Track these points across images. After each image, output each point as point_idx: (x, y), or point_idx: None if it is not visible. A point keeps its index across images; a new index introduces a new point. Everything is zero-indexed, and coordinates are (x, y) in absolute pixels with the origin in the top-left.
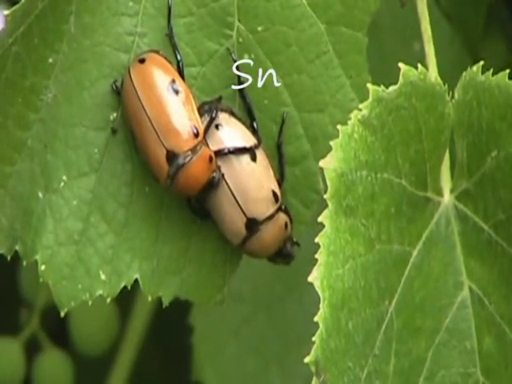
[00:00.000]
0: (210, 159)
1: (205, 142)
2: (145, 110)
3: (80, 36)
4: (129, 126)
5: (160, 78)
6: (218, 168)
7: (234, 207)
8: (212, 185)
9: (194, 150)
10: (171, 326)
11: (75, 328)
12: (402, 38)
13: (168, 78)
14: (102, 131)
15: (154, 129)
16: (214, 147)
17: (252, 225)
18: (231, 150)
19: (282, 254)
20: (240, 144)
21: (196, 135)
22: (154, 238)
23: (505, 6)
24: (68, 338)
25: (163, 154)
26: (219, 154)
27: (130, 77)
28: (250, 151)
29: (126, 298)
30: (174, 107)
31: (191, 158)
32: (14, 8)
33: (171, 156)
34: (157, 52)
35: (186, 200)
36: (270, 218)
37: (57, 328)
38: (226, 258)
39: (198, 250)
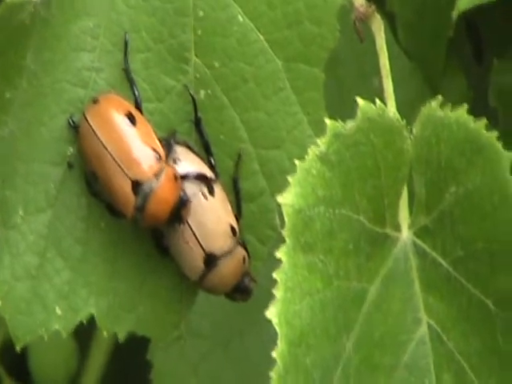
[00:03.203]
0: (175, 178)
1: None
2: (105, 146)
3: (40, 72)
4: (88, 165)
5: (115, 112)
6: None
7: (193, 242)
8: (181, 205)
9: (158, 173)
10: (131, 362)
11: (34, 364)
12: (361, 73)
13: (123, 112)
14: (58, 166)
15: (117, 163)
16: None
17: (210, 259)
18: (189, 181)
19: (239, 290)
20: (198, 176)
21: (158, 159)
22: (110, 274)
23: (465, 41)
24: (27, 373)
25: (129, 186)
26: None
27: (86, 118)
28: (207, 184)
29: (86, 333)
30: (133, 138)
31: (158, 182)
32: None
33: (137, 186)
34: (110, 91)
35: (150, 233)
36: (228, 252)
37: (16, 364)
38: (182, 295)
39: (153, 286)
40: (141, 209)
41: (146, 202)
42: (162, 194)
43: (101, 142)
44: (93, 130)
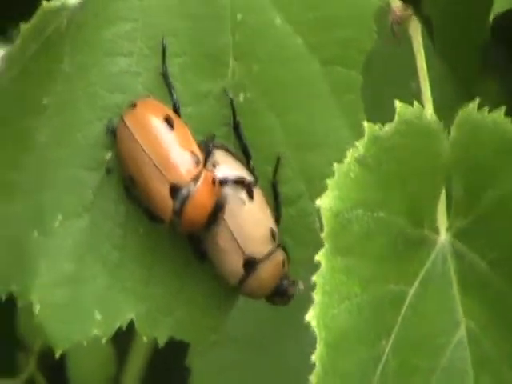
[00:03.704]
0: (213, 182)
1: (205, 170)
2: (143, 150)
3: (74, 77)
4: (125, 170)
5: (153, 117)
6: (218, 205)
7: (233, 246)
8: (220, 209)
9: (197, 178)
10: (169, 368)
11: (73, 370)
12: (398, 77)
13: (161, 116)
14: (95, 172)
15: (155, 166)
16: None
17: (250, 264)
18: (229, 185)
19: (279, 293)
20: (237, 180)
21: (197, 163)
22: (148, 279)
23: (500, 45)
24: (66, 380)
25: (166, 190)
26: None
27: (124, 122)
28: (246, 188)
29: (124, 339)
30: (171, 142)
31: (196, 187)
32: (9, 49)
33: (175, 189)
34: (148, 96)
35: (187, 238)
36: (268, 256)
37: (54, 370)
38: (221, 300)
39: (191, 291)
40: (179, 213)
41: (184, 206)
42: (200, 198)
43: (139, 145)
44: (131, 134)
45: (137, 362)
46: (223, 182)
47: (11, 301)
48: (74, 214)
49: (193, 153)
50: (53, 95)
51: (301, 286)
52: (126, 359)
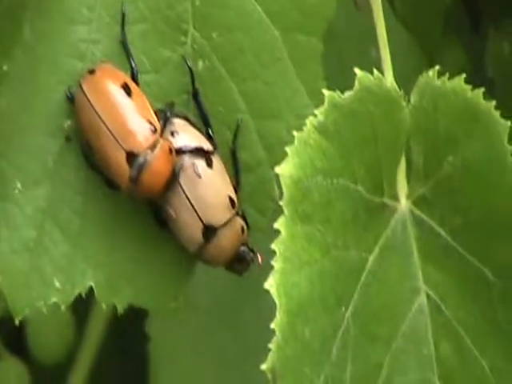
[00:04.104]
0: (170, 151)
1: (162, 137)
2: (100, 117)
3: (35, 43)
4: (84, 136)
5: (111, 84)
6: (176, 173)
7: (191, 214)
8: (172, 183)
9: (153, 146)
10: (129, 335)
11: (32, 336)
12: (359, 45)
13: (119, 84)
14: (55, 139)
15: (112, 133)
16: None
17: (209, 231)
18: (187, 152)
19: (238, 261)
20: (195, 148)
21: (154, 131)
22: (109, 247)
23: (462, 11)
24: (25, 346)
25: (123, 157)
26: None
27: (82, 88)
28: (205, 156)
29: (84, 306)
30: (128, 109)
31: (152, 155)
32: None
33: (132, 157)
34: (106, 62)
35: (148, 205)
36: (227, 224)
37: (14, 337)
38: (181, 267)
39: (151, 258)
40: (135, 180)
41: (140, 173)
42: (157, 166)
43: (96, 112)
44: (88, 101)
45: (96, 329)
46: (181, 151)
47: None
48: (34, 181)
49: (149, 121)
50: (13, 62)
51: (259, 254)
52: (84, 326)
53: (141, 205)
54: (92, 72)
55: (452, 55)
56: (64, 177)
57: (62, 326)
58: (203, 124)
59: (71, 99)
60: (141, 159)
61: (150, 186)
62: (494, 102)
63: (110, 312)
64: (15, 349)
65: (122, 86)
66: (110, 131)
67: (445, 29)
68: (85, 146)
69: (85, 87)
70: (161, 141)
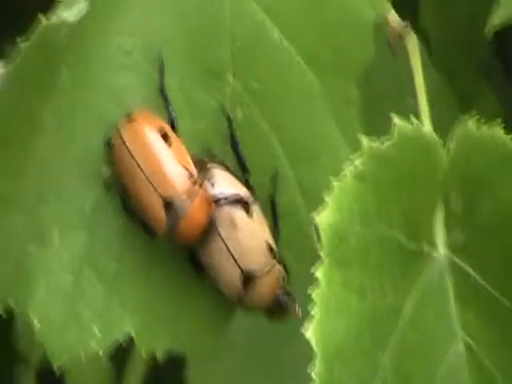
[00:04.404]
0: (208, 202)
1: (201, 186)
2: (138, 163)
3: (73, 91)
4: (122, 183)
5: (149, 130)
6: (215, 221)
7: (230, 261)
8: (211, 230)
9: (191, 194)
10: (169, 379)
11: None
12: (396, 92)
13: (157, 130)
14: (93, 186)
15: (149, 180)
16: None
17: (248, 278)
18: (226, 201)
19: (277, 307)
20: (234, 196)
21: (191, 180)
22: (146, 292)
23: (495, 58)
24: None
25: (160, 204)
26: (214, 206)
27: (120, 134)
28: (244, 204)
29: (122, 354)
30: (166, 156)
31: (189, 203)
32: (9, 67)
33: (169, 204)
34: (145, 108)
35: (186, 252)
36: (266, 270)
37: None
38: (219, 311)
39: (190, 303)
40: (172, 228)
41: (177, 221)
42: (194, 214)
43: (134, 158)
44: (126, 146)
45: (134, 376)
46: (220, 199)
47: (10, 314)
48: (72, 227)
49: (187, 169)
50: (53, 109)
51: (297, 303)
52: (123, 374)
53: (178, 250)
54: (130, 118)
55: (485, 102)
56: (102, 224)
57: (100, 374)
58: (241, 171)
59: (109, 146)
60: (178, 207)
61: (187, 234)
62: None
63: (149, 360)
64: None
65: (161, 133)
66: (147, 178)
67: (478, 75)
68: (122, 192)
69: (123, 133)
70: (199, 189)
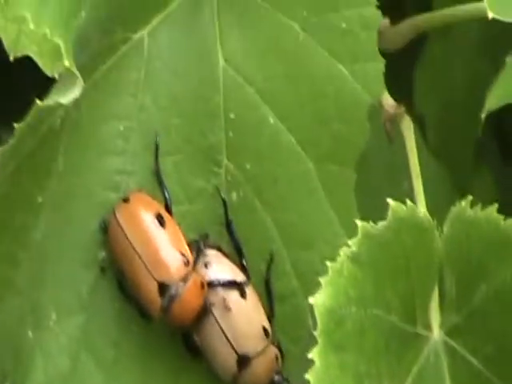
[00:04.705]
0: (202, 286)
1: (195, 270)
2: (133, 246)
3: (68, 175)
4: (117, 265)
5: (145, 213)
6: (209, 304)
7: (225, 344)
8: (205, 313)
9: (185, 278)
10: None
11: None
12: (391, 175)
13: (152, 213)
14: (90, 269)
15: (144, 263)
16: None
17: (243, 361)
18: (220, 285)
19: None
20: (229, 280)
21: (186, 264)
22: (143, 376)
23: (493, 143)
24: None
25: (155, 287)
26: (208, 289)
27: (116, 216)
28: (238, 287)
29: None
30: (160, 240)
31: (183, 287)
32: (3, 148)
33: (163, 288)
34: (140, 190)
35: (181, 335)
36: (261, 353)
37: None
38: None
39: None
40: (166, 311)
41: (171, 304)
42: (188, 299)
43: (129, 241)
44: (121, 229)
45: None
46: (214, 282)
47: None
48: (69, 311)
49: (182, 252)
50: (48, 193)
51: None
52: None
53: (174, 334)
54: (126, 200)
55: (482, 186)
56: (98, 307)
57: None
58: (237, 254)
59: (105, 229)
60: (172, 291)
61: (181, 317)
62: None
63: None
64: None
65: (156, 216)
66: (142, 261)
67: (475, 160)
68: (118, 274)
69: (118, 215)
70: (193, 273)
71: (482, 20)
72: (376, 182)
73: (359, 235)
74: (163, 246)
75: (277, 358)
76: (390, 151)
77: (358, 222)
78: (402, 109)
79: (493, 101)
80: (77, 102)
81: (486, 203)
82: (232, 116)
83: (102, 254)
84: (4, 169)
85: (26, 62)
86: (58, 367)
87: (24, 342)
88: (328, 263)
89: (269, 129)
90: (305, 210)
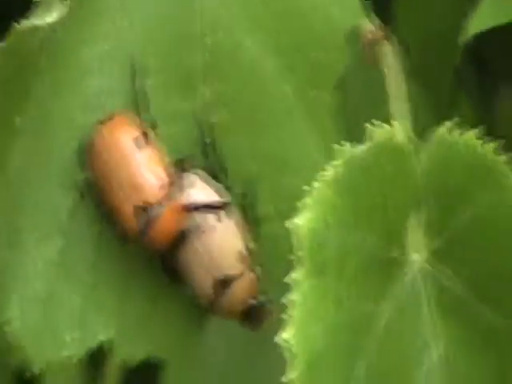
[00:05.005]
0: (180, 210)
1: (173, 193)
2: (111, 167)
3: (48, 97)
4: (96, 188)
5: (124, 134)
6: (186, 227)
7: (202, 267)
8: (182, 237)
9: (162, 201)
10: None
11: None
12: (371, 100)
13: (132, 135)
14: (69, 193)
15: (122, 185)
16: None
17: (220, 285)
18: (199, 207)
19: (251, 314)
20: (208, 202)
21: (164, 186)
22: (122, 299)
23: (471, 70)
24: None
25: (131, 210)
26: (187, 212)
27: (95, 138)
28: (217, 210)
29: (96, 360)
30: (140, 162)
31: (160, 210)
32: None
33: (140, 210)
34: (120, 112)
35: (159, 258)
36: (239, 277)
37: None
38: (194, 318)
39: (165, 309)
40: (142, 234)
41: (148, 228)
42: (164, 222)
43: (107, 163)
44: (100, 151)
45: (110, 381)
46: (193, 205)
47: None
48: (48, 234)
49: (160, 175)
50: (26, 116)
51: (271, 309)
52: (98, 377)
53: (153, 259)
54: (105, 122)
55: (460, 111)
56: (77, 231)
57: (75, 378)
58: (215, 178)
59: (84, 152)
60: (149, 214)
61: (158, 241)
62: (504, 157)
63: (123, 365)
64: None
65: (135, 138)
66: (120, 183)
67: (453, 84)
68: (97, 198)
69: (97, 137)
70: (171, 196)
71: None
72: (355, 107)
73: (338, 160)
74: (141, 168)
75: (255, 282)
76: (369, 76)
77: (336, 147)
78: (381, 34)
79: (471, 27)
80: (56, 25)
81: (464, 130)
82: (209, 39)
83: (82, 178)
84: None
85: None
86: (35, 290)
87: (1, 265)
88: (307, 188)
89: (246, 53)
90: (283, 135)
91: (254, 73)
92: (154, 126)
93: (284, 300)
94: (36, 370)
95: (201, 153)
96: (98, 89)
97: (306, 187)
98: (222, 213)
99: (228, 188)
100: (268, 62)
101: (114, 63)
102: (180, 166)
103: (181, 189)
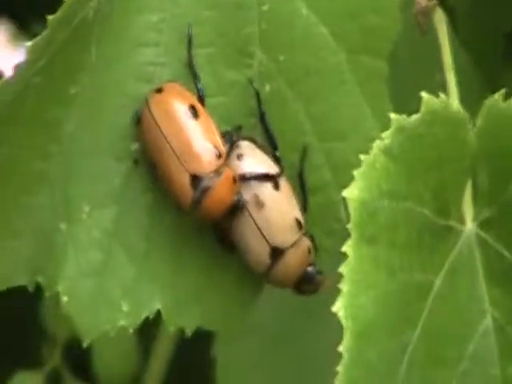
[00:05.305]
0: (234, 180)
1: (227, 163)
2: (165, 137)
3: (101, 66)
4: (149, 157)
5: (178, 104)
6: (241, 197)
7: (258, 236)
8: (236, 207)
9: (217, 171)
10: (194, 358)
11: (97, 361)
12: (423, 68)
13: (186, 104)
14: (122, 162)
15: (176, 155)
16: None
17: (275, 253)
18: (253, 177)
19: (306, 282)
20: (262, 172)
21: (218, 157)
22: (175, 269)
23: None
24: (90, 371)
25: (187, 179)
26: (241, 182)
27: (148, 107)
28: (272, 179)
29: (149, 330)
30: (193, 131)
31: (215, 180)
32: (36, 39)
33: (195, 180)
34: (173, 82)
35: (213, 228)
36: (294, 245)
37: (79, 361)
38: (248, 288)
39: (218, 280)
40: (197, 204)
41: (203, 197)
42: (219, 191)
43: (161, 132)
44: (154, 120)
45: (162, 352)
46: (247, 174)
47: (35, 293)
48: (101, 204)
49: (215, 145)
50: (80, 85)
51: (325, 277)
52: (150, 349)
53: (207, 227)
54: (159, 91)
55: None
56: (131, 199)
57: (127, 349)
58: (270, 147)
59: (138, 121)
60: (204, 183)
61: (213, 211)
62: None
63: (176, 335)
64: (80, 372)
65: (189, 108)
66: (174, 152)
67: (505, 53)
68: (151, 166)
69: (151, 106)
70: (225, 166)
71: None
72: (408, 75)
73: (392, 128)
74: (196, 138)
75: (309, 251)
76: (422, 44)
77: (392, 115)
78: (434, 1)
79: None
80: None
81: None
82: (265, 8)
83: (135, 146)
84: (36, 61)
85: None
86: (90, 260)
87: (56, 235)
88: (361, 156)
89: (302, 20)
90: (337, 102)
91: (308, 40)
92: (204, 97)
93: (339, 269)
94: (88, 341)
95: (255, 122)
96: (151, 59)
97: (361, 155)
98: (277, 182)
99: (282, 157)
100: (322, 29)
101: (167, 34)
102: (231, 136)
103: (236, 158)
